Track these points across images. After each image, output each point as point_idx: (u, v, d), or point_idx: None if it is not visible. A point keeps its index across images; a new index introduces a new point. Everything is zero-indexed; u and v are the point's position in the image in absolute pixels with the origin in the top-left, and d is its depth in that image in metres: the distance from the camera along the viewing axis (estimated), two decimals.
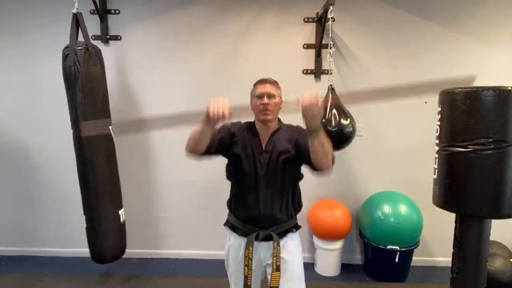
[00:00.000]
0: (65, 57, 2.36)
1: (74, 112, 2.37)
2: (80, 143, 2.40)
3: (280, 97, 1.67)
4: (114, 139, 2.59)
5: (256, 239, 1.63)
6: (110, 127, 2.54)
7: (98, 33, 2.95)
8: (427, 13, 2.90)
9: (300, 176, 1.72)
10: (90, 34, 2.89)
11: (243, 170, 1.63)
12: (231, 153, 1.67)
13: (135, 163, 3.11)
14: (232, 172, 1.71)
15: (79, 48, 2.34)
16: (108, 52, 2.98)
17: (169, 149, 3.07)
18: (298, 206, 1.74)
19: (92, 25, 2.92)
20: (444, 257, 2.96)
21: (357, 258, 3.14)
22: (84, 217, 2.50)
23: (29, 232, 3.19)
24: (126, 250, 3.15)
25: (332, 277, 2.92)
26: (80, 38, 2.42)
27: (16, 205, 3.17)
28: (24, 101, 3.06)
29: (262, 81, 1.66)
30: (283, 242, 1.65)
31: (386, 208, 2.71)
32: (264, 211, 1.62)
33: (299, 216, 1.76)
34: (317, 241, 2.92)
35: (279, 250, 1.62)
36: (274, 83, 1.66)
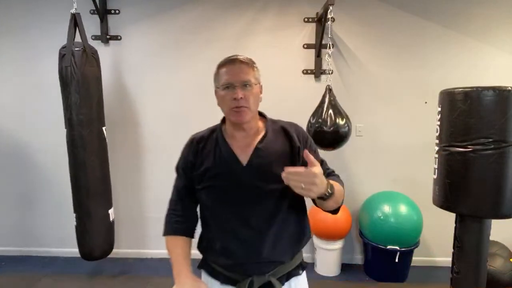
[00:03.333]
0: (61, 57, 2.36)
1: (68, 113, 2.40)
2: (74, 144, 2.43)
3: (260, 83, 1.17)
4: (107, 140, 2.62)
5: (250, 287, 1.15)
6: (103, 128, 2.56)
7: (98, 33, 2.95)
8: (427, 13, 2.90)
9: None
10: (90, 34, 2.91)
11: (221, 192, 1.15)
12: (200, 177, 1.18)
13: (133, 163, 3.11)
14: (204, 202, 1.20)
15: (76, 49, 2.35)
16: (108, 52, 2.98)
17: (170, 149, 3.07)
18: (304, 236, 1.23)
19: (92, 25, 2.92)
20: (444, 257, 2.96)
21: (357, 258, 3.14)
22: (74, 215, 2.55)
23: (29, 232, 3.19)
24: (126, 250, 3.17)
25: (332, 277, 2.92)
26: (78, 39, 2.42)
27: (16, 205, 3.17)
28: (24, 100, 3.05)
29: (230, 61, 1.14)
30: None
31: (386, 208, 2.71)
32: (257, 252, 1.13)
33: None
34: (317, 241, 2.92)
35: None
36: (248, 62, 1.14)
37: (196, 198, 1.22)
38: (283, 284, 1.18)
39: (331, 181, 1.09)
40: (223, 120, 1.25)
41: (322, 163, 1.23)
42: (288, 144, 1.18)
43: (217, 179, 1.15)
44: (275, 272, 1.17)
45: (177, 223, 1.22)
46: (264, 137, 1.17)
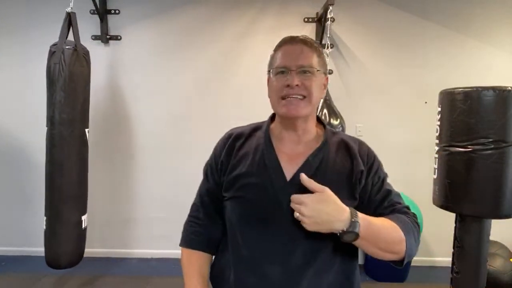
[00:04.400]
0: (51, 54, 2.32)
1: (51, 110, 2.32)
2: (53, 142, 2.34)
3: (325, 73, 0.93)
4: (89, 143, 2.51)
5: None
6: (86, 130, 2.47)
7: (98, 33, 2.95)
8: (427, 13, 2.90)
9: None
10: (90, 34, 2.91)
11: (251, 207, 0.90)
12: (229, 184, 0.94)
13: (133, 162, 3.10)
14: (228, 216, 0.95)
15: (67, 47, 2.31)
16: (108, 52, 2.98)
17: (169, 149, 3.07)
18: (354, 278, 0.94)
19: (92, 25, 2.92)
20: (444, 257, 2.96)
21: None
22: (44, 218, 2.40)
23: (29, 232, 3.19)
24: (126, 250, 3.17)
25: None
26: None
27: (16, 205, 3.17)
28: (24, 100, 3.06)
29: (289, 41, 0.91)
30: None
31: None
32: None
33: None
34: None
35: None
36: (311, 43, 0.90)
37: (222, 208, 0.98)
38: None
39: (368, 218, 0.82)
40: (273, 117, 0.99)
41: (390, 193, 0.94)
42: (348, 165, 0.91)
43: (250, 190, 0.90)
44: None
45: (195, 234, 1.00)
46: (320, 148, 0.91)
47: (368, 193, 0.91)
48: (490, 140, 1.57)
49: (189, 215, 1.06)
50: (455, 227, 1.79)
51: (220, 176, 0.96)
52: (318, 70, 0.88)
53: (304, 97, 0.86)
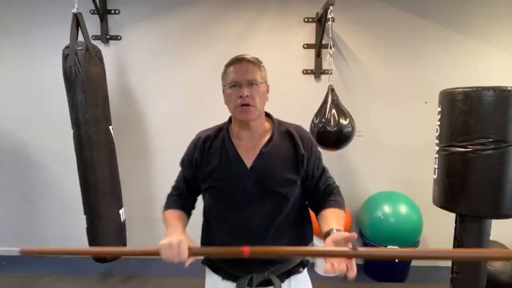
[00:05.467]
0: (65, 57, 2.36)
1: (74, 112, 2.39)
2: (81, 143, 2.42)
3: (266, 83, 1.21)
4: (114, 139, 2.61)
5: (249, 285, 1.19)
6: (110, 127, 2.55)
7: (98, 33, 2.95)
8: (427, 13, 2.90)
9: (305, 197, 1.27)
10: (90, 34, 2.89)
11: (224, 194, 1.19)
12: (205, 177, 1.21)
13: (134, 163, 3.10)
14: (207, 202, 1.26)
15: (79, 48, 2.34)
16: (108, 52, 2.98)
17: (168, 149, 3.07)
18: (304, 242, 1.29)
19: (92, 25, 2.91)
20: None
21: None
22: (84, 217, 2.51)
23: (29, 232, 3.19)
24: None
25: (332, 277, 2.91)
26: (80, 38, 2.42)
27: (16, 205, 3.17)
28: (25, 101, 3.05)
29: (237, 60, 1.18)
30: (286, 287, 1.23)
31: (386, 208, 2.71)
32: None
33: None
34: (317, 241, 2.90)
35: None
36: (254, 61, 1.18)
37: (197, 190, 1.28)
38: (283, 282, 1.22)
39: (340, 224, 1.15)
40: (230, 120, 1.25)
41: (324, 171, 1.26)
42: (292, 150, 1.19)
43: (222, 181, 1.18)
44: (274, 270, 1.21)
45: (175, 201, 1.29)
46: (269, 140, 1.19)
47: (311, 171, 1.21)
48: (490, 140, 1.57)
49: (169, 194, 1.33)
50: (455, 227, 1.79)
51: (195, 171, 1.23)
52: (261, 83, 1.16)
53: (253, 104, 1.13)
